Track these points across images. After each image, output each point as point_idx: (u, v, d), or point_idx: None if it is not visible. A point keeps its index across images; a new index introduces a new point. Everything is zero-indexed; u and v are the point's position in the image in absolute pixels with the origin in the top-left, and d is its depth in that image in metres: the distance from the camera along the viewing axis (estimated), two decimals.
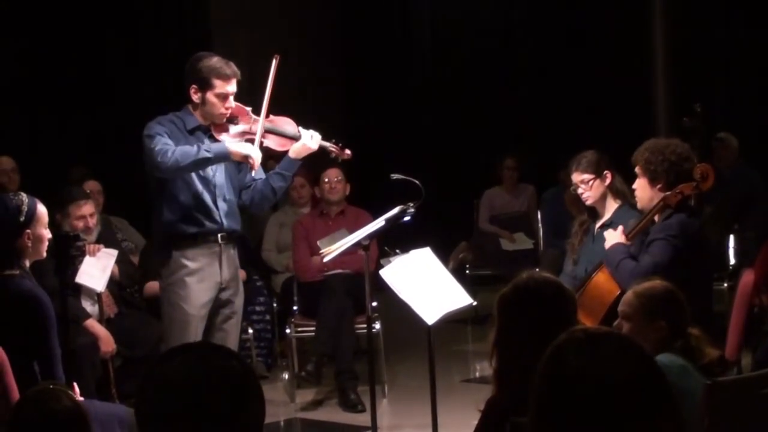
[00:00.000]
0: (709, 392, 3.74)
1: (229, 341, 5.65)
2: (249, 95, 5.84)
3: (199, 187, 5.54)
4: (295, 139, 5.70)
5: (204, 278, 5.56)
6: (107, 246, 6.73)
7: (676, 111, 9.19)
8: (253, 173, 5.62)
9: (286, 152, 5.72)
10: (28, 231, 4.49)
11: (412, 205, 5.55)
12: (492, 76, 11.70)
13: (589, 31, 11.27)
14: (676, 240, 5.12)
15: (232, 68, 5.55)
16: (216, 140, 5.59)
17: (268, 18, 11.23)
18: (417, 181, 5.74)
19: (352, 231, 6.04)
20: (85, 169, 8.45)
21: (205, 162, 5.43)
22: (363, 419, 6.71)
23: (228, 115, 5.60)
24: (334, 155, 5.79)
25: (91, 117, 9.68)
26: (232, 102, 5.58)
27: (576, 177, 5.98)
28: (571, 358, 2.02)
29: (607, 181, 5.92)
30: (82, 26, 9.75)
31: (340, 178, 7.77)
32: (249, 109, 5.68)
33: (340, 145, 5.78)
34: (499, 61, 11.85)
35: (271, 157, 6.64)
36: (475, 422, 3.44)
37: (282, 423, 7.09)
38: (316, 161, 6.44)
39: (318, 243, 6.66)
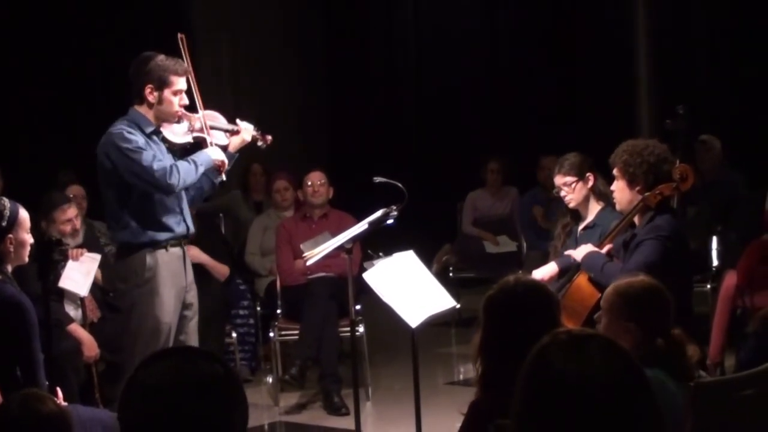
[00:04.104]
0: (692, 393, 3.75)
1: (192, 343, 5.57)
2: (234, 108, 5.81)
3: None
4: (231, 132, 5.67)
5: (173, 284, 5.49)
6: (90, 250, 6.70)
7: (659, 113, 9.21)
8: (223, 177, 5.60)
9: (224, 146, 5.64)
10: (10, 236, 4.48)
11: (395, 207, 5.55)
12: (475, 79, 11.71)
13: (573, 34, 11.28)
14: (667, 240, 5.08)
15: (183, 65, 5.48)
16: (166, 141, 5.52)
17: (250, 24, 11.20)
18: (400, 184, 5.74)
19: (335, 234, 6.05)
20: (73, 174, 8.38)
21: (197, 176, 5.41)
22: (347, 422, 6.70)
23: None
24: (260, 143, 5.77)
25: (74, 121, 9.64)
26: (185, 99, 5.51)
27: (559, 180, 5.98)
28: (555, 359, 2.02)
29: (590, 183, 5.93)
30: (64, 30, 9.72)
31: (323, 181, 7.75)
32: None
33: (260, 131, 5.76)
34: (482, 64, 11.86)
35: None
36: (459, 425, 3.45)
37: (266, 427, 7.07)
38: (299, 165, 6.44)
39: (301, 246, 6.67)
